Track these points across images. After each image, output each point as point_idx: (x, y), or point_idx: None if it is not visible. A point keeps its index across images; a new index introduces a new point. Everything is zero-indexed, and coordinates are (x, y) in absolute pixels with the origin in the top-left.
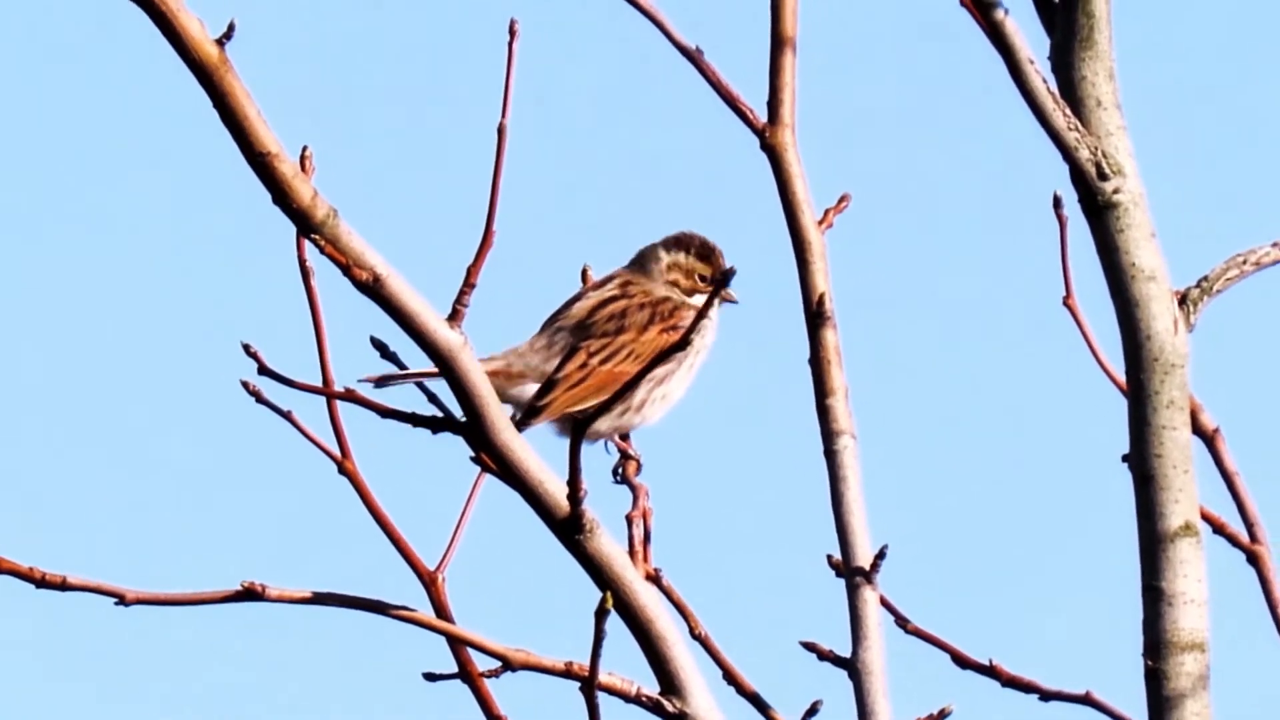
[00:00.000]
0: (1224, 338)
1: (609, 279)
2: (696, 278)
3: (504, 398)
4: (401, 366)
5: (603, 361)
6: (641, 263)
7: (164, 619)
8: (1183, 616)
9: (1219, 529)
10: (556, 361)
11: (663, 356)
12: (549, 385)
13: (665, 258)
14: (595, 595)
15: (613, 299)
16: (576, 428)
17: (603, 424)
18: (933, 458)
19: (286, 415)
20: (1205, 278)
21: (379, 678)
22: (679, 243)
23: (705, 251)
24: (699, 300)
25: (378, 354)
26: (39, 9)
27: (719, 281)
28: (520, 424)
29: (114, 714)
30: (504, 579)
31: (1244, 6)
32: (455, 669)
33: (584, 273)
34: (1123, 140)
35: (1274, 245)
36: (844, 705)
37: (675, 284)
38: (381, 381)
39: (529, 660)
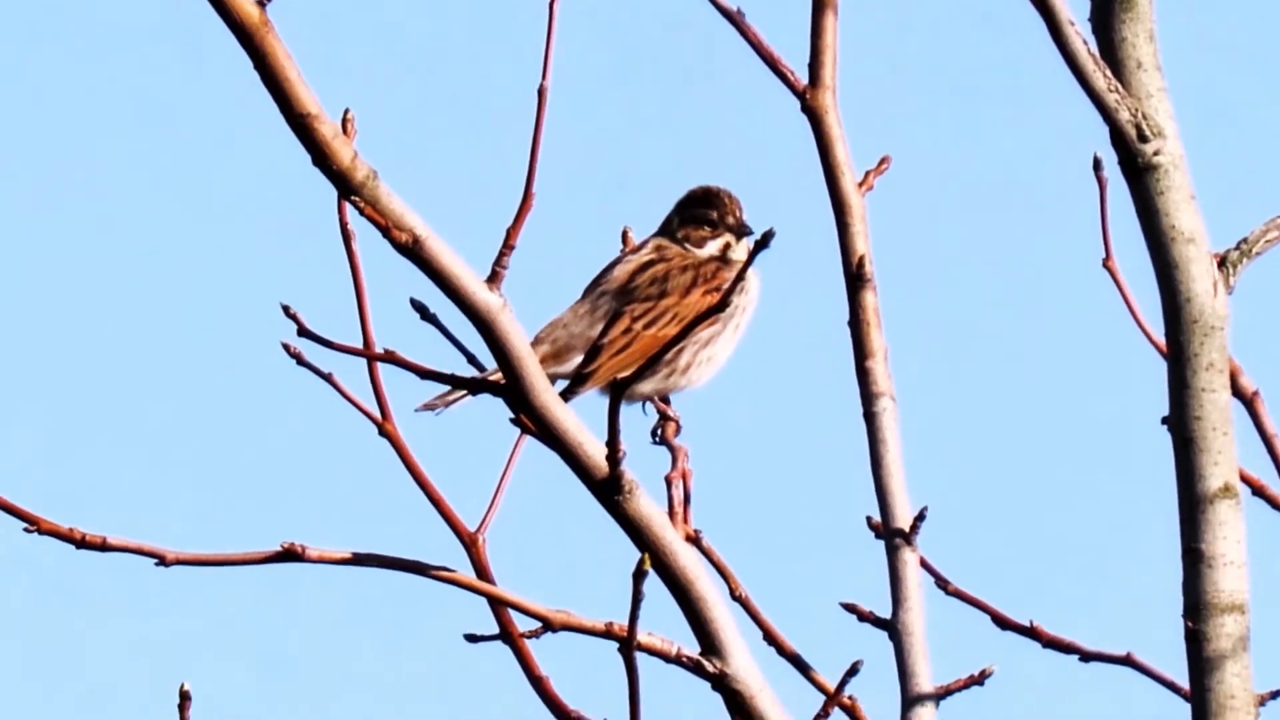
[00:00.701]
0: (1263, 300)
1: (645, 243)
2: (705, 225)
3: (557, 376)
4: (441, 328)
5: (646, 326)
6: (666, 229)
7: (205, 580)
8: (1222, 578)
9: (1259, 491)
10: (600, 327)
11: (701, 318)
12: (594, 352)
13: (675, 218)
14: (635, 556)
15: (651, 263)
16: (615, 389)
17: (647, 386)
18: (972, 420)
19: (327, 377)
20: (1244, 240)
21: (420, 639)
22: (685, 200)
23: (707, 196)
24: (713, 247)
25: (418, 315)
26: None
27: (759, 242)
28: (567, 392)
29: (155, 673)
30: (544, 540)
31: None
32: (496, 630)
33: (624, 235)
34: (1163, 102)
35: None
36: (885, 666)
37: (687, 238)
38: (434, 407)
39: (569, 621)
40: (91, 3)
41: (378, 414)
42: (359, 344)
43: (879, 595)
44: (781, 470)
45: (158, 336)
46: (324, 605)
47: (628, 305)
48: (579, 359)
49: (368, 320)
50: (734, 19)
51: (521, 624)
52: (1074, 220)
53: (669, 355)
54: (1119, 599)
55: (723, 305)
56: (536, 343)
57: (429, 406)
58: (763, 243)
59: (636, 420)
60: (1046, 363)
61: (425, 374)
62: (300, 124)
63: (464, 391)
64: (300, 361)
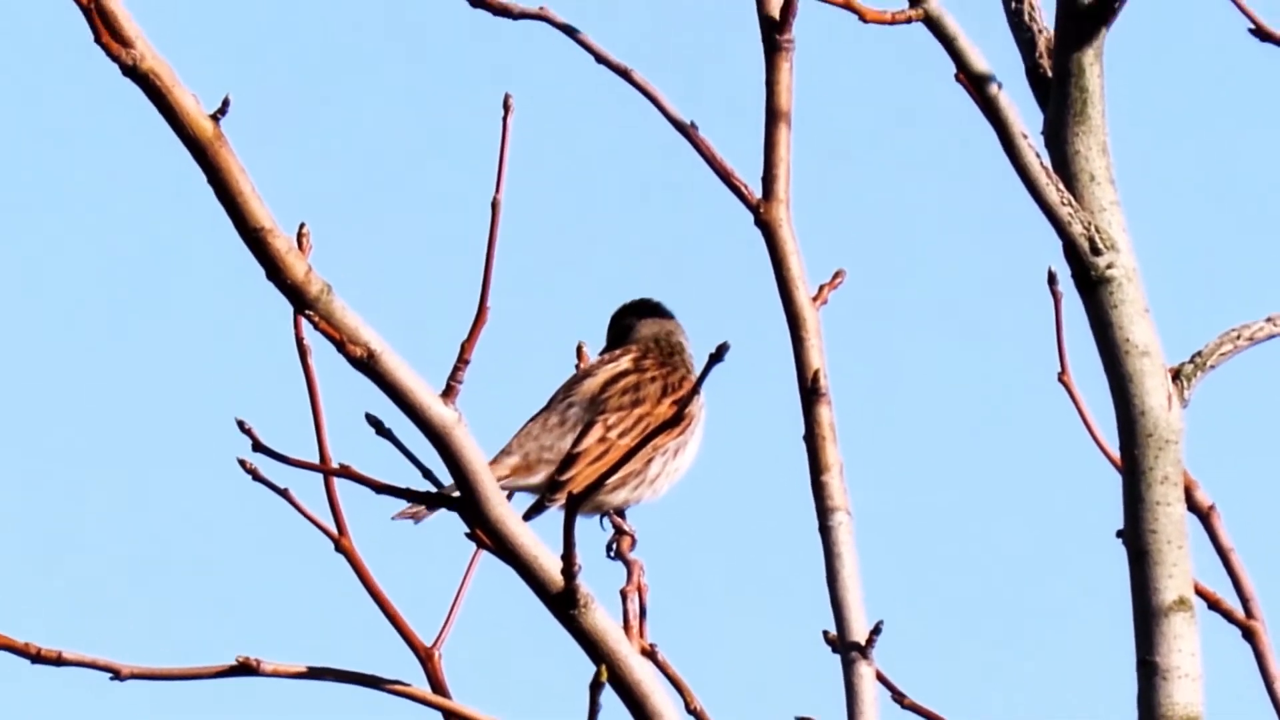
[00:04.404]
0: (1218, 413)
1: (621, 354)
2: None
3: (525, 488)
4: (397, 443)
5: (621, 435)
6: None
7: (160, 694)
8: (1177, 691)
9: (1214, 604)
10: (572, 438)
11: (659, 430)
12: (569, 461)
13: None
14: (590, 670)
15: (625, 373)
16: (571, 502)
17: (616, 497)
18: (928, 533)
19: (283, 493)
20: (1199, 353)
21: None
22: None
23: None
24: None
25: (373, 430)
26: (31, 82)
27: (713, 356)
28: (540, 504)
29: None
30: (500, 654)
31: (1235, 80)
32: None
33: (579, 349)
34: (1116, 215)
35: (1268, 320)
36: None
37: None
38: (416, 516)
39: None
40: (45, 118)
41: (334, 529)
42: (315, 459)
43: (835, 709)
44: (737, 584)
45: (114, 451)
46: (279, 719)
47: (600, 415)
48: (550, 470)
49: (324, 435)
50: (687, 131)
51: None
52: (1029, 334)
53: (639, 466)
54: (1074, 712)
55: (677, 418)
56: (506, 454)
57: (408, 515)
58: (717, 356)
59: (592, 534)
60: (1003, 476)
61: (381, 489)
62: (254, 238)
63: (428, 507)
64: (256, 477)
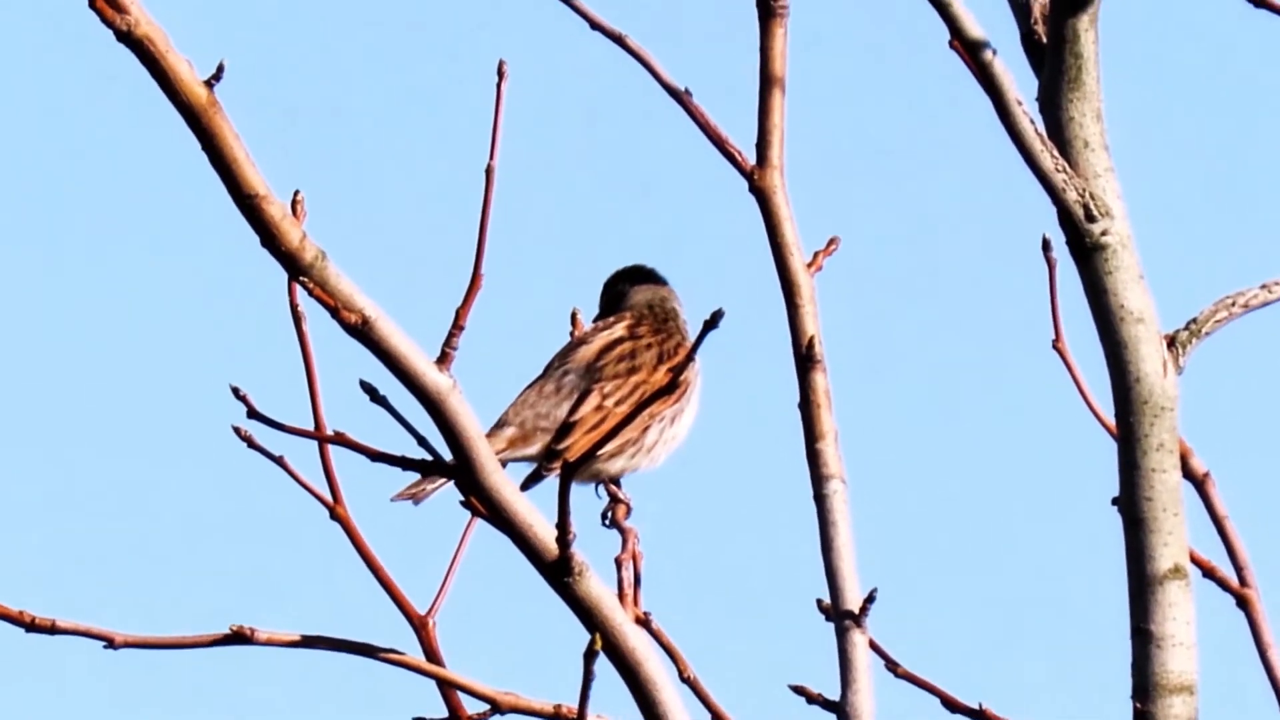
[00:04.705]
0: (1214, 380)
1: (615, 321)
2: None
3: (523, 458)
4: (391, 410)
5: (618, 403)
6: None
7: (153, 662)
8: (1171, 659)
9: (1209, 572)
10: (568, 406)
11: (653, 397)
12: (565, 429)
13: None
14: (584, 638)
15: (620, 340)
16: (566, 470)
17: (614, 465)
18: (923, 501)
19: (278, 460)
20: (1194, 320)
21: None
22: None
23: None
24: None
25: (367, 397)
26: (25, 49)
27: (708, 322)
28: (538, 472)
29: None
30: (494, 622)
31: (1230, 48)
32: (445, 713)
33: (573, 316)
34: (1110, 181)
35: (1262, 287)
36: None
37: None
38: (414, 497)
39: (518, 703)
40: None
41: (329, 497)
42: (310, 426)
43: (828, 677)
44: (731, 552)
45: (109, 419)
46: (273, 687)
47: (596, 383)
48: (546, 440)
49: (318, 402)
50: (681, 98)
51: (471, 706)
52: (1024, 300)
53: (635, 434)
54: (1068, 680)
55: (672, 385)
56: (503, 424)
57: (407, 496)
58: (711, 323)
59: (587, 502)
60: (997, 444)
61: (376, 456)
62: (248, 205)
63: (441, 479)
64: (251, 444)
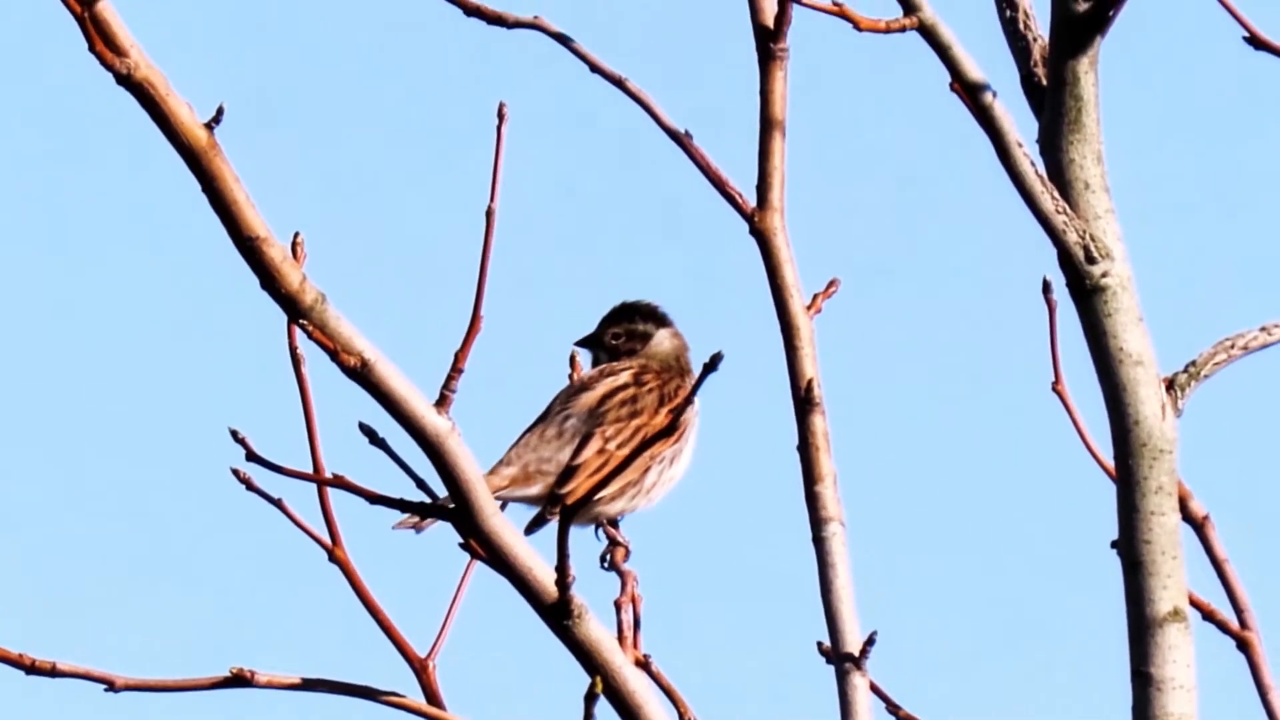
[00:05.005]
0: (1213, 423)
1: (622, 368)
2: (616, 338)
3: (522, 499)
4: (390, 453)
5: (619, 447)
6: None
7: (154, 705)
8: (1171, 701)
9: (1208, 615)
10: (570, 450)
11: (653, 440)
12: (569, 473)
13: (605, 336)
14: (585, 680)
15: (624, 386)
16: (565, 513)
17: (613, 507)
18: (922, 543)
19: (277, 502)
20: (1193, 362)
21: None
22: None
23: (614, 312)
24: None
25: (366, 440)
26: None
27: (707, 365)
28: (540, 517)
29: None
30: (494, 664)
31: (1231, 90)
32: None
33: (572, 358)
34: (1111, 223)
35: (1261, 329)
36: None
37: (616, 349)
38: (417, 526)
39: None
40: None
41: (328, 539)
42: (309, 468)
43: None
44: (731, 595)
45: (107, 461)
46: None
47: (598, 427)
48: (548, 482)
49: (317, 444)
50: (682, 141)
51: None
52: (1024, 342)
53: (635, 476)
54: None
55: (672, 427)
56: (504, 464)
57: (408, 525)
58: (711, 365)
59: (586, 545)
60: (997, 486)
61: (375, 499)
62: (248, 247)
63: (429, 517)
64: (249, 487)
